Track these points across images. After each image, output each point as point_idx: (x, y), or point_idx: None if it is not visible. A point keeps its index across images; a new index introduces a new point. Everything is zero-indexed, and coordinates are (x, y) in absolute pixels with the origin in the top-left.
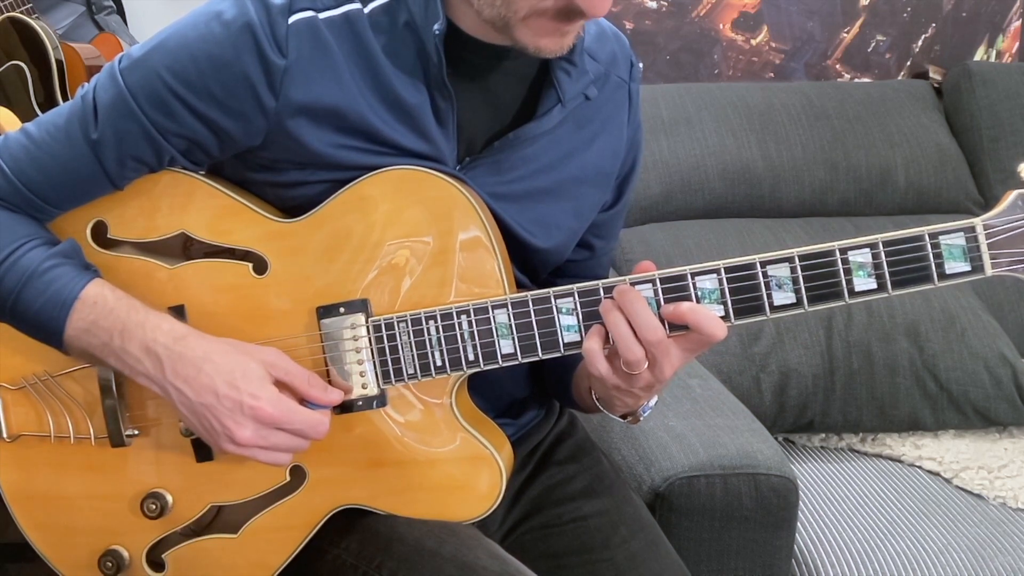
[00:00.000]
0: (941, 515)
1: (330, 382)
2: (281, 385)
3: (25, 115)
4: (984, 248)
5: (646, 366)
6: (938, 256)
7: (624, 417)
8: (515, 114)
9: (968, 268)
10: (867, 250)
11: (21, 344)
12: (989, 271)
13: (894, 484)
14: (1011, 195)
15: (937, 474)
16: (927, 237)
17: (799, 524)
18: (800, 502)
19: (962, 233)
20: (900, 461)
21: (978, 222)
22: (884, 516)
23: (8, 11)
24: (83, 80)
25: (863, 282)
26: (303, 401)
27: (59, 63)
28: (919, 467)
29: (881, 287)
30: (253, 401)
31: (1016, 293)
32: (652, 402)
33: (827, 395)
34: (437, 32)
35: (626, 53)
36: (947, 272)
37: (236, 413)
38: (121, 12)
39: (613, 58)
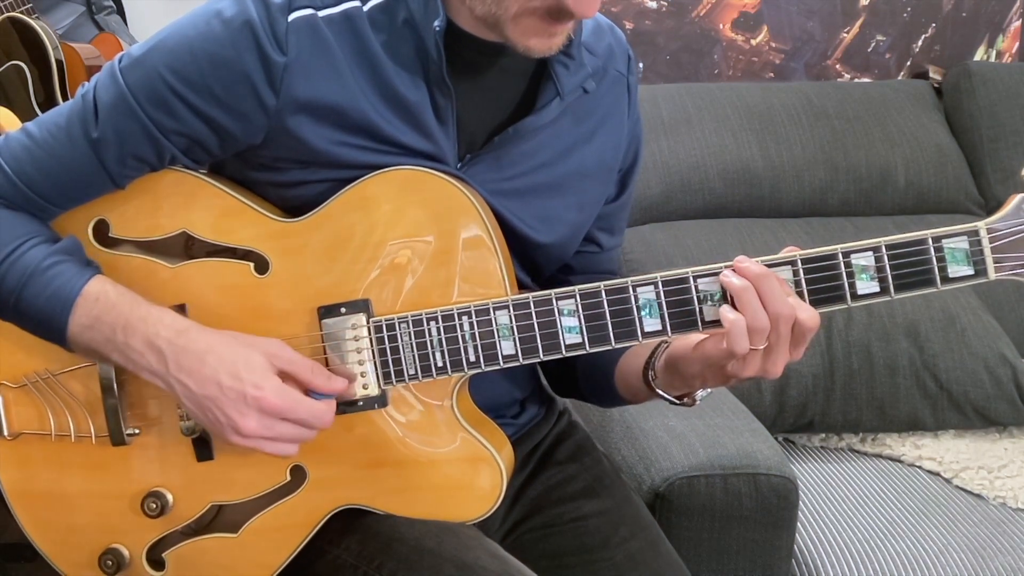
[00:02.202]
0: (941, 515)
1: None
2: (285, 376)
3: (25, 115)
4: (988, 252)
5: (765, 344)
6: (941, 260)
7: (680, 399)
8: (514, 109)
9: (971, 272)
10: (870, 253)
11: (22, 342)
12: (992, 275)
13: (894, 484)
14: (1015, 199)
15: (937, 474)
16: (930, 241)
17: (799, 524)
18: (800, 502)
19: (965, 237)
20: (900, 461)
21: (982, 226)
22: (884, 516)
23: (8, 11)
24: (83, 80)
25: (865, 285)
26: (307, 392)
27: (59, 63)
28: (919, 467)
29: (884, 291)
30: (256, 392)
31: (1016, 293)
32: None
33: (827, 395)
34: (437, 29)
35: (623, 46)
36: (950, 276)
37: (240, 404)
38: (121, 12)
39: (610, 52)
